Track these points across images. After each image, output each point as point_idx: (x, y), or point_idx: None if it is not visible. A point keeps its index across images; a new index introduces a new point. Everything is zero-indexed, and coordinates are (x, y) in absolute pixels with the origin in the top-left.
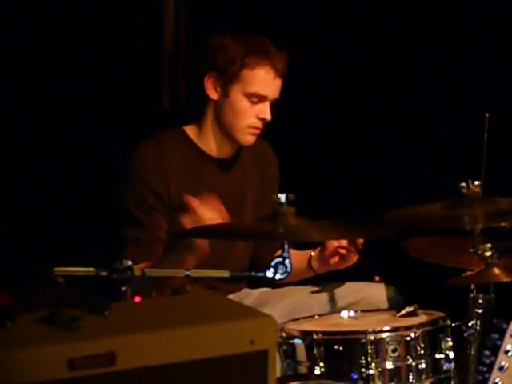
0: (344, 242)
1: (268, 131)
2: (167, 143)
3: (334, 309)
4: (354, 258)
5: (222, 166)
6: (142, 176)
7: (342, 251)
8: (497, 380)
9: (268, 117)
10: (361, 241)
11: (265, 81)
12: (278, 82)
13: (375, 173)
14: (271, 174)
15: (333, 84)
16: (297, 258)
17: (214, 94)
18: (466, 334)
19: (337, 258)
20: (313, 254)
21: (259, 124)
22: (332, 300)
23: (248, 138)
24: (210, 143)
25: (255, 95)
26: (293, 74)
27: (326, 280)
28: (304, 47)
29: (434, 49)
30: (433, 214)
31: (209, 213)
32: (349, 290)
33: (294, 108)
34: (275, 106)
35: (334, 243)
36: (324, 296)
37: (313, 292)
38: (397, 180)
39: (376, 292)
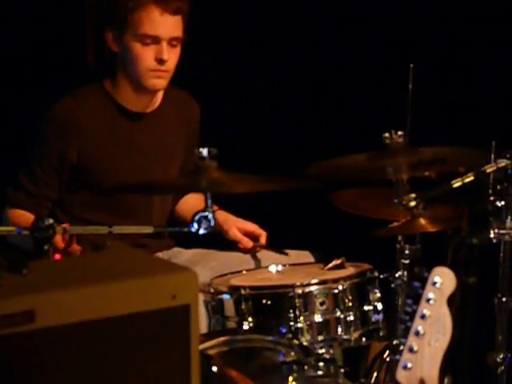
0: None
1: (186, 81)
2: (84, 98)
3: None
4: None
5: (142, 120)
6: (51, 136)
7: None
8: (419, 328)
9: (165, 56)
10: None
11: (151, 20)
12: (170, 19)
13: (299, 125)
14: (195, 125)
15: (252, 40)
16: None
17: (115, 47)
18: (393, 285)
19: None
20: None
21: (160, 66)
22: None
23: (154, 82)
24: (126, 96)
25: (145, 36)
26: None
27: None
28: None
29: None
30: (357, 165)
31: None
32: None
33: (215, 57)
34: (197, 53)
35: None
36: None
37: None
38: (321, 131)
39: (306, 259)
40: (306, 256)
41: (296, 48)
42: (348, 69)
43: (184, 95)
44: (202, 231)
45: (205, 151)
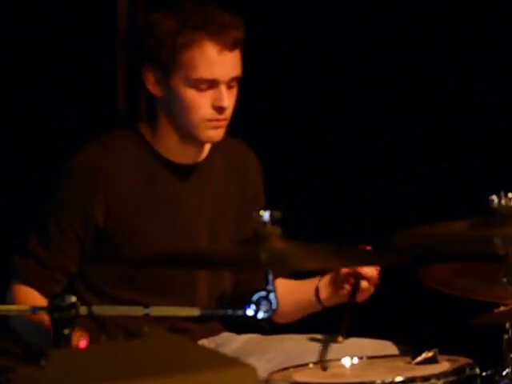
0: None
1: (246, 129)
2: (114, 145)
3: None
4: (370, 290)
5: (185, 174)
6: (72, 191)
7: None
8: None
9: (225, 104)
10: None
11: (207, 60)
12: (229, 57)
13: (385, 184)
14: (253, 182)
15: (336, 84)
16: (301, 289)
17: (156, 91)
18: None
19: (347, 288)
20: (320, 281)
21: (218, 115)
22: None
23: (211, 134)
24: (168, 146)
25: (201, 81)
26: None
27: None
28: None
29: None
30: (457, 234)
31: None
32: (352, 348)
33: (281, 104)
34: (255, 96)
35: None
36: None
37: (312, 339)
38: (411, 193)
39: (388, 351)
40: (388, 346)
41: (383, 100)
42: (443, 116)
43: (237, 144)
44: (261, 315)
45: (266, 215)
